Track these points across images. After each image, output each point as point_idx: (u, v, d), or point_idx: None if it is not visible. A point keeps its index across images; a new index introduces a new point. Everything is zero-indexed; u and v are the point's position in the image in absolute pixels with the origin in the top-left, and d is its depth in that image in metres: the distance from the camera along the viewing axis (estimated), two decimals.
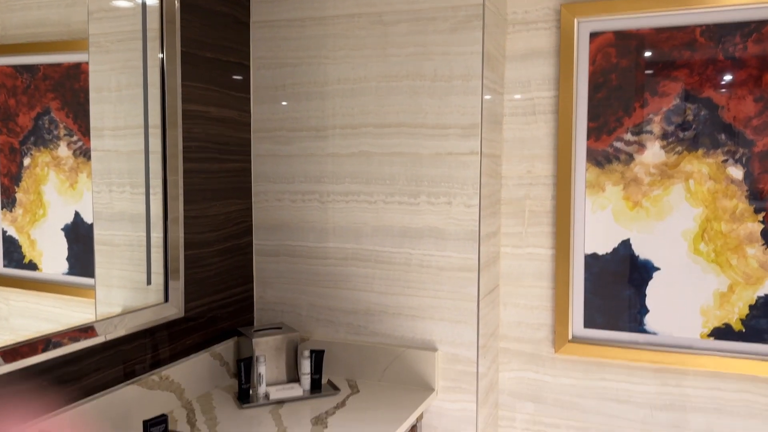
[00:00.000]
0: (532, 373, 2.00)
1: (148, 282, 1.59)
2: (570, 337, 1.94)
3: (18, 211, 1.35)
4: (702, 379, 1.82)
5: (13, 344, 1.28)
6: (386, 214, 1.86)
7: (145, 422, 1.43)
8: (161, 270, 1.62)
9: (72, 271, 1.44)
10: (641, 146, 1.84)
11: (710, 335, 1.81)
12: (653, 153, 1.83)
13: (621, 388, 1.91)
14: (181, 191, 1.66)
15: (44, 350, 1.33)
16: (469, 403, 1.81)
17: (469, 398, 1.81)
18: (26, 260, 1.37)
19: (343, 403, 1.70)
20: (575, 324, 1.94)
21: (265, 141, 2.00)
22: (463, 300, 1.80)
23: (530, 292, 1.98)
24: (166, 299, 1.63)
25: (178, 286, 1.66)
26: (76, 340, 1.40)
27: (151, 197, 1.59)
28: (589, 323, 1.92)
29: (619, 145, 1.86)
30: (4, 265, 1.33)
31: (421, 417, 1.80)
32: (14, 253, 1.35)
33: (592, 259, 1.91)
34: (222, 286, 1.88)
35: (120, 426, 1.49)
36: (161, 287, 1.62)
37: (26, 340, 1.30)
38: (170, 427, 1.56)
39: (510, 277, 2.00)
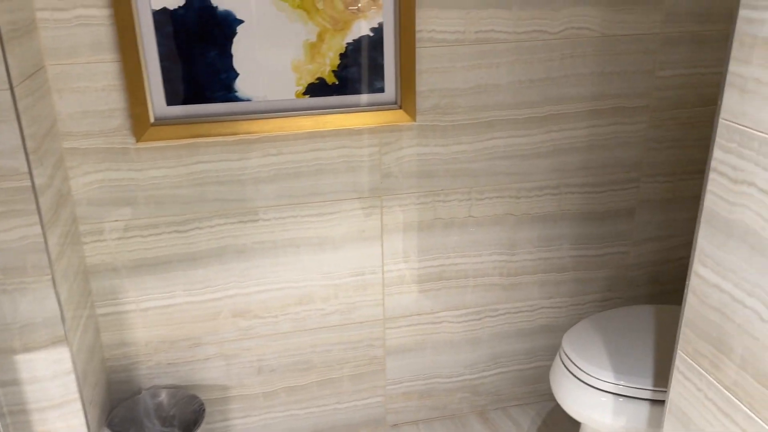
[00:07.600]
0: (113, 173, 1.61)
1: None
2: (152, 119, 1.57)
3: None
4: (302, 142, 1.70)
5: None
6: None
7: None
8: None
9: None
10: None
11: (305, 93, 1.65)
12: None
13: (221, 168, 1.67)
14: None
15: None
16: (34, 227, 1.36)
17: (31, 221, 1.35)
18: None
19: None
20: (156, 103, 1.57)
21: None
22: None
23: (91, 71, 1.51)
24: None
25: None
26: None
27: None
28: (172, 99, 1.58)
29: None
30: None
31: None
32: None
33: (162, 16, 1.50)
34: None
35: None
36: None
37: None
38: None
39: (59, 53, 1.48)
